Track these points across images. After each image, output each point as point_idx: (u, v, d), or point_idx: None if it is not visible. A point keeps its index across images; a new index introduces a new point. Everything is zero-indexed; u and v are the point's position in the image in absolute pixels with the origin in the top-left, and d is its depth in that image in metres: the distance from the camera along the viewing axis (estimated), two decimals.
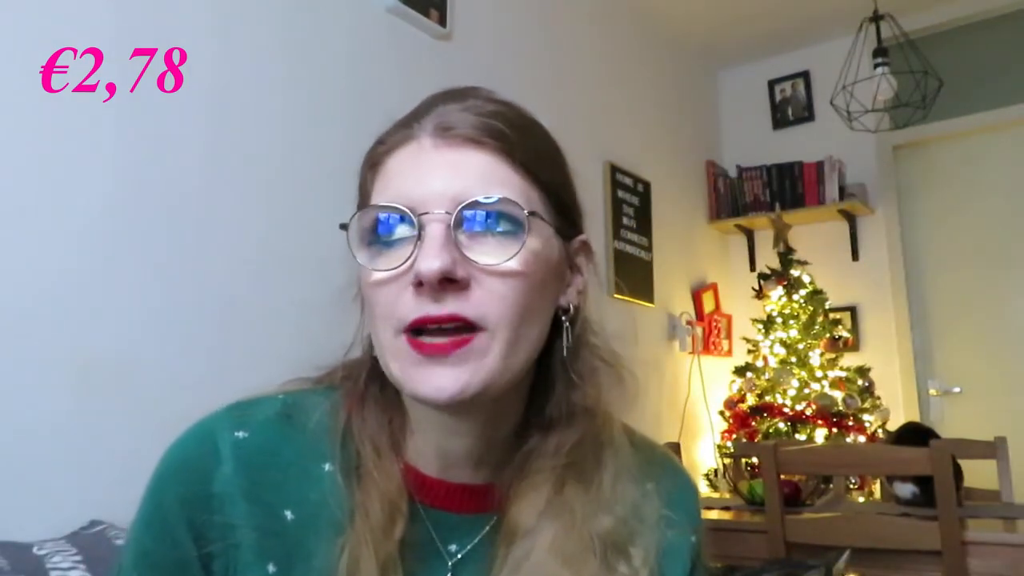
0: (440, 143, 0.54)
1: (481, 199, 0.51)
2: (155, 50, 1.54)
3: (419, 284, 0.50)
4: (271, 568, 0.54)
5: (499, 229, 0.52)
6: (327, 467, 0.56)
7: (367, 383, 0.59)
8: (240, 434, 0.56)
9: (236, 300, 1.64)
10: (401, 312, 0.51)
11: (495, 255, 0.51)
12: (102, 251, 1.42)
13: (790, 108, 3.86)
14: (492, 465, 0.59)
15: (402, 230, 0.52)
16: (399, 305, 0.51)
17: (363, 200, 0.58)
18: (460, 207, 0.51)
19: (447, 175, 0.52)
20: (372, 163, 0.57)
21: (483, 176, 0.52)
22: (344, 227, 0.55)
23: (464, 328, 0.50)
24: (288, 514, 0.55)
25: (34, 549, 1.13)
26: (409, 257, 0.51)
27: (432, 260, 0.49)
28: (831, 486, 2.37)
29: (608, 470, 0.59)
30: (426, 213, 0.51)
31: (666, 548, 0.60)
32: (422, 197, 0.52)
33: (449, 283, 0.50)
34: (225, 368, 1.57)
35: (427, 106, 0.57)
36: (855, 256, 3.62)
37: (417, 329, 0.51)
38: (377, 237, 0.53)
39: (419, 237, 0.51)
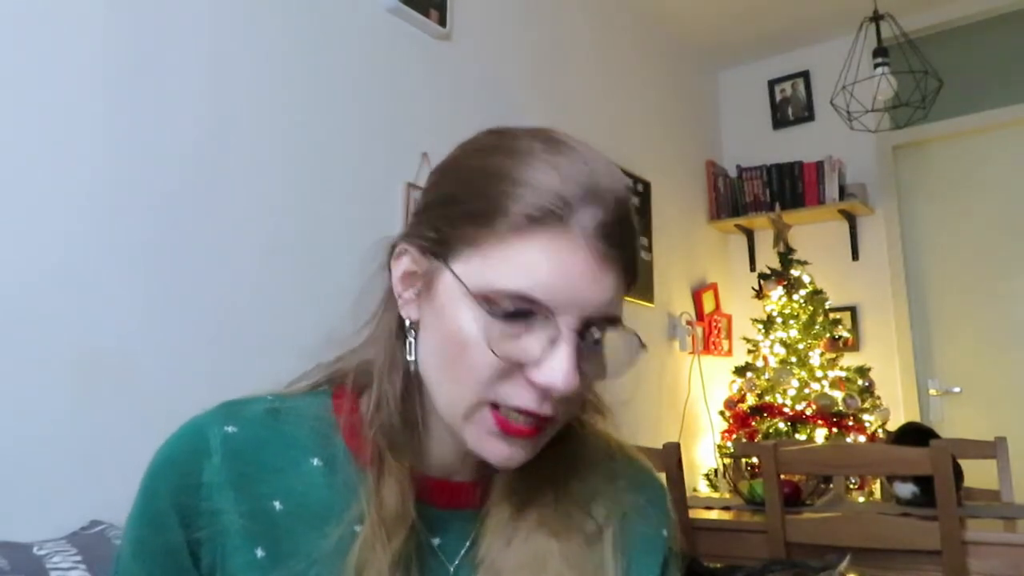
0: (588, 246, 0.53)
1: (614, 327, 0.55)
2: (154, 50, 1.54)
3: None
4: (259, 552, 0.55)
5: (605, 349, 0.56)
6: (315, 462, 0.58)
7: (389, 374, 0.59)
8: (229, 428, 0.58)
9: (236, 299, 1.64)
10: (505, 393, 0.53)
11: (595, 371, 0.56)
12: (101, 251, 1.42)
13: (790, 108, 3.86)
14: (487, 466, 0.60)
15: (535, 321, 0.52)
16: (505, 385, 0.53)
17: (474, 225, 0.54)
18: (593, 325, 0.54)
19: (590, 286, 0.53)
20: (513, 221, 0.52)
21: (614, 295, 0.55)
22: (455, 275, 0.54)
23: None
24: (277, 504, 0.56)
25: (34, 549, 1.13)
26: (535, 356, 0.52)
27: (570, 378, 0.52)
28: (831, 486, 2.37)
29: (585, 465, 0.64)
30: (566, 318, 0.52)
31: (640, 541, 0.64)
32: (566, 300, 0.52)
33: None
34: (225, 367, 1.57)
35: (578, 193, 0.53)
36: (855, 256, 3.62)
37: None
38: (504, 311, 0.52)
39: (554, 341, 0.52)
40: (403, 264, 0.58)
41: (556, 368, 0.51)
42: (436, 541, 0.60)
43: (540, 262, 0.52)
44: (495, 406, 0.53)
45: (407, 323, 0.58)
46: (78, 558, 1.14)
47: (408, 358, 0.58)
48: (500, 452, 0.54)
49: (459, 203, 0.55)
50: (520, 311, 0.52)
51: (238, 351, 1.61)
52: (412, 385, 0.59)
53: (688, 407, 3.34)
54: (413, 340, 0.58)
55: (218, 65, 1.67)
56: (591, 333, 0.54)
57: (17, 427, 1.26)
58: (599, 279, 0.53)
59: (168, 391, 1.45)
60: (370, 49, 2.06)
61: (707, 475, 3.34)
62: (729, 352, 3.65)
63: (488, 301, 0.52)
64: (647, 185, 3.29)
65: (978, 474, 2.35)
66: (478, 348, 0.52)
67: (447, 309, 0.54)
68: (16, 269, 1.29)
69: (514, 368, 0.53)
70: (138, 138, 1.50)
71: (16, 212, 1.30)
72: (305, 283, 1.75)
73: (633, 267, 0.57)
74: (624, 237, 0.55)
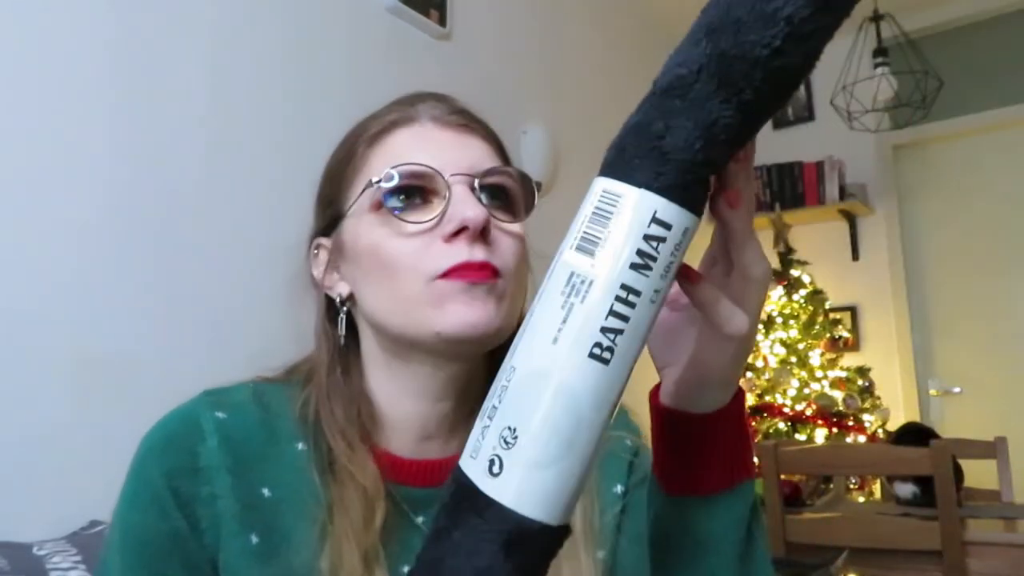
0: (442, 125, 0.59)
1: (500, 167, 0.58)
2: (154, 51, 1.54)
3: (454, 234, 0.54)
4: (254, 539, 0.55)
5: (508, 197, 0.59)
6: (300, 446, 0.58)
7: (329, 375, 0.62)
8: (220, 414, 0.58)
9: (237, 302, 1.63)
10: (435, 261, 0.54)
11: (508, 216, 0.58)
12: (101, 252, 1.42)
13: (790, 108, 3.86)
14: (462, 436, 0.60)
15: (424, 194, 0.56)
16: (430, 255, 0.54)
17: (350, 174, 0.61)
18: (482, 172, 0.57)
19: (457, 149, 0.58)
20: (370, 139, 0.60)
21: (485, 154, 0.59)
22: (372, 184, 0.57)
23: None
24: (265, 491, 0.56)
25: (34, 549, 1.13)
26: (437, 214, 0.55)
27: (477, 209, 0.54)
28: (831, 486, 2.37)
29: None
30: (454, 175, 0.56)
31: (604, 459, 0.65)
32: (441, 165, 0.56)
33: (479, 235, 0.54)
34: (225, 369, 1.56)
35: (413, 100, 0.62)
36: (855, 256, 3.62)
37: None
38: (397, 199, 0.56)
39: (448, 197, 0.55)
40: (321, 257, 0.64)
41: (458, 205, 0.54)
42: (420, 519, 0.59)
43: (405, 143, 0.58)
44: (443, 278, 0.54)
45: (338, 302, 0.62)
46: (78, 558, 1.14)
47: (339, 334, 0.61)
48: (466, 314, 0.53)
49: (333, 170, 0.63)
50: (410, 187, 0.56)
51: (238, 353, 1.60)
52: (354, 365, 0.62)
53: None
54: (344, 315, 0.61)
55: (217, 65, 1.67)
56: (491, 187, 0.57)
57: (17, 427, 1.26)
58: (463, 144, 0.58)
59: (168, 393, 1.44)
60: (370, 49, 2.06)
61: None
62: None
63: (379, 204, 0.56)
64: None
65: (978, 474, 2.36)
66: (393, 243, 0.55)
67: (360, 245, 0.58)
68: (17, 270, 1.29)
69: (430, 237, 0.55)
70: (138, 140, 1.50)
71: (16, 213, 1.30)
72: (305, 287, 1.75)
73: (496, 141, 0.62)
74: (474, 119, 0.61)
